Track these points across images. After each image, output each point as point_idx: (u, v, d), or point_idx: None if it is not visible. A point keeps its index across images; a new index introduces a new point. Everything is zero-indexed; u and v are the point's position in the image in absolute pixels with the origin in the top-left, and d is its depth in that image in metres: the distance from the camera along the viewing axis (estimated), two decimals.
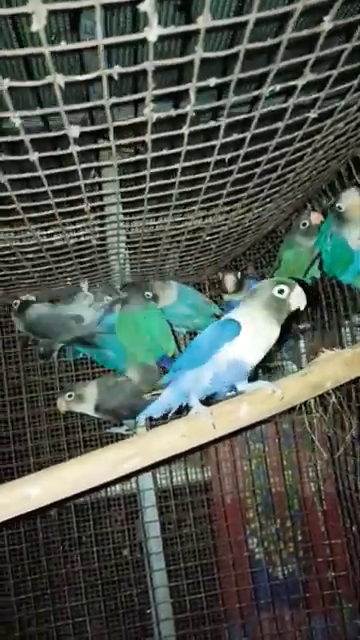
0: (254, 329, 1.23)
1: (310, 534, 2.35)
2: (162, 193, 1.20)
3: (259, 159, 1.14)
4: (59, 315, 2.08)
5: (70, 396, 2.04)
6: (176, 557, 2.28)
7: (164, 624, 2.19)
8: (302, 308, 1.25)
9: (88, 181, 1.07)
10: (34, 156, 0.91)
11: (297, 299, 1.24)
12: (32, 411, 2.28)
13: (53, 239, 1.44)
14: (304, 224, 1.85)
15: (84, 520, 2.30)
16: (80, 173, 1.00)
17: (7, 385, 2.30)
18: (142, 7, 0.62)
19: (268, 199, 1.45)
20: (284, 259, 2.11)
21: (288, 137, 1.09)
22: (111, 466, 1.12)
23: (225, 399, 1.30)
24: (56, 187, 1.07)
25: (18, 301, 2.08)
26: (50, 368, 2.35)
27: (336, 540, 2.28)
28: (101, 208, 1.36)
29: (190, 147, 1.00)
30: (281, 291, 1.24)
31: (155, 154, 1.00)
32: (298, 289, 1.24)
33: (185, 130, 0.92)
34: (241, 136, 1.01)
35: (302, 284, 1.27)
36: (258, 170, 1.20)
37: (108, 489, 2.37)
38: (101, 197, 1.30)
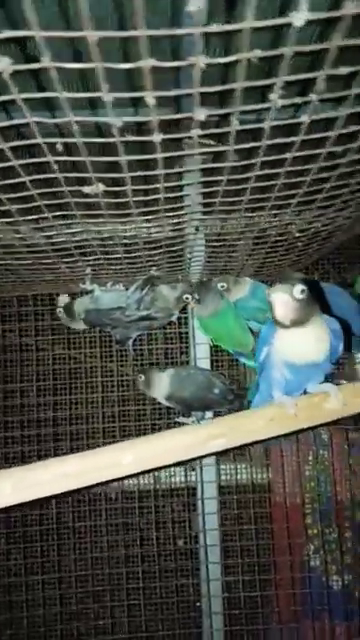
0: (283, 334, 1.23)
1: None
2: (265, 183, 1.22)
3: (345, 146, 1.14)
4: (100, 310, 2.12)
5: (141, 377, 2.10)
6: (231, 553, 2.28)
7: (214, 617, 2.20)
8: (284, 316, 1.16)
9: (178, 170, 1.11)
10: (158, 137, 0.96)
11: (276, 308, 1.15)
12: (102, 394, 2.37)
13: (150, 228, 1.51)
14: None
15: (145, 506, 2.35)
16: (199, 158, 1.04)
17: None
18: None
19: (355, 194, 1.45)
20: None
21: None
22: (200, 442, 1.16)
23: None
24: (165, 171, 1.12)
25: (61, 308, 2.19)
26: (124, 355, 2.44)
27: None
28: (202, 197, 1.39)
29: (305, 137, 1.02)
30: (268, 295, 1.18)
31: (269, 142, 1.03)
32: (274, 296, 1.15)
33: (306, 119, 0.95)
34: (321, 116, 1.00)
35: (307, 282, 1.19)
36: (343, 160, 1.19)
37: (171, 480, 2.41)
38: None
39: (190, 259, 1.90)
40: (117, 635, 2.22)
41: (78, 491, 1.16)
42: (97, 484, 1.13)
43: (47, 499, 1.12)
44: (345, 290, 2.15)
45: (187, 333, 2.39)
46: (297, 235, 1.67)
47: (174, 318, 2.27)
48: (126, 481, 2.36)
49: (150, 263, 1.84)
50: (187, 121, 0.93)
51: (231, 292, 2.10)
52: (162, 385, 2.10)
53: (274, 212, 1.42)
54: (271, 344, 1.27)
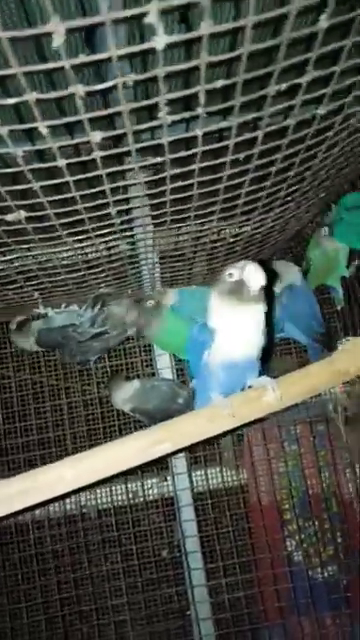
0: (229, 326, 1.26)
1: (349, 535, 2.34)
2: (182, 194, 1.27)
3: (273, 157, 1.20)
4: (52, 329, 2.18)
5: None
6: (214, 556, 2.30)
7: (203, 623, 2.21)
8: (261, 284, 1.19)
9: (113, 185, 1.16)
10: (62, 163, 1.00)
11: (251, 276, 1.19)
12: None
13: (84, 248, 1.55)
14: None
15: (123, 522, 2.36)
16: (105, 179, 1.08)
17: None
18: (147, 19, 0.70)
19: (288, 198, 1.51)
20: (312, 260, 2.16)
21: (300, 135, 1.15)
22: (144, 449, 1.19)
23: None
24: (82, 193, 1.17)
25: (14, 325, 2.22)
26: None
27: None
28: (127, 214, 1.44)
29: (205, 148, 1.08)
30: (230, 275, 1.22)
31: (172, 156, 1.08)
32: (250, 267, 1.20)
33: (199, 132, 1.00)
34: (253, 135, 1.07)
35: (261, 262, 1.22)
36: (274, 169, 1.26)
37: (146, 493, 2.43)
38: (127, 203, 1.40)
39: (136, 274, 1.94)
40: None
41: (29, 510, 1.18)
42: (46, 502, 1.16)
43: None
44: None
45: (148, 345, 2.42)
46: (232, 240, 1.72)
47: (130, 333, 2.32)
48: (102, 498, 2.37)
49: (97, 281, 1.88)
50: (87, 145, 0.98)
51: (162, 304, 2.14)
52: (127, 398, 2.14)
53: (200, 221, 1.47)
54: (209, 346, 1.31)
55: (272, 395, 1.28)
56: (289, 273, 2.15)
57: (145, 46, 0.76)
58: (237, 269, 1.22)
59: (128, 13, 0.71)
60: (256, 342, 1.29)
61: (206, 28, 0.74)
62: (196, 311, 2.07)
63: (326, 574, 2.36)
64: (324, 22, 0.81)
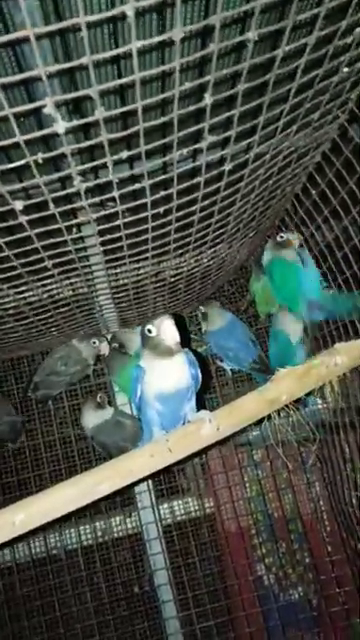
0: (154, 367, 1.37)
1: (314, 555, 2.40)
2: (114, 245, 1.37)
3: (192, 208, 1.31)
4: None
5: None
6: (185, 587, 2.33)
7: None
8: (175, 340, 1.30)
9: (43, 243, 1.25)
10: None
11: (166, 334, 1.30)
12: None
13: (32, 297, 1.63)
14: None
15: (92, 561, 2.38)
16: (34, 237, 1.17)
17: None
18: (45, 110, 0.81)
19: (217, 240, 1.62)
20: (255, 291, 2.28)
21: (213, 188, 1.27)
22: (87, 489, 1.25)
23: None
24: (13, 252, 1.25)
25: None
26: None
27: (337, 556, 2.33)
28: (62, 264, 1.52)
29: (125, 205, 1.18)
30: (149, 330, 1.34)
31: (97, 214, 1.18)
32: (165, 324, 1.31)
33: (115, 193, 1.11)
34: (167, 192, 1.18)
35: (176, 317, 1.33)
36: (195, 217, 1.37)
37: (114, 529, 2.45)
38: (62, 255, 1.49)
39: (86, 316, 2.02)
40: None
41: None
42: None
43: None
44: (239, 318, 2.34)
45: (105, 383, 2.48)
46: (172, 280, 1.82)
47: (90, 370, 2.39)
48: (70, 539, 2.39)
49: (47, 326, 1.95)
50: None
51: (129, 346, 2.24)
52: (91, 425, 2.20)
53: (136, 265, 1.57)
54: (142, 381, 1.40)
55: (209, 427, 1.36)
56: (213, 318, 2.28)
57: (47, 131, 0.86)
58: (154, 326, 1.33)
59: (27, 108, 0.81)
60: (181, 379, 1.39)
61: (99, 115, 0.85)
62: None
63: (296, 595, 2.41)
64: (208, 99, 0.92)
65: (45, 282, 1.48)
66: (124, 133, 0.92)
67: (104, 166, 1.01)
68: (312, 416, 2.30)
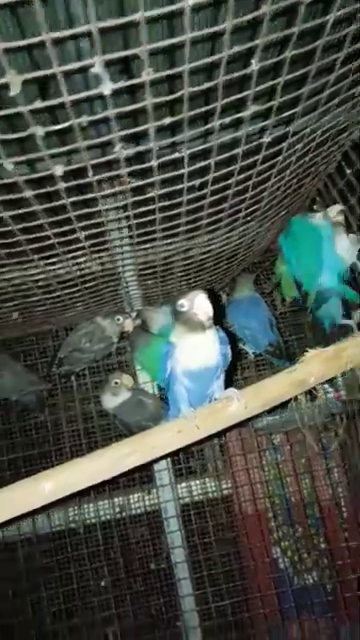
0: (185, 343, 1.36)
1: (330, 540, 2.39)
2: (147, 218, 1.36)
3: (227, 182, 1.29)
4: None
5: (116, 383, 2.20)
6: (201, 566, 2.35)
7: (192, 632, 2.25)
8: (208, 315, 1.30)
9: (77, 213, 1.24)
10: (28, 193, 1.08)
11: (200, 308, 1.30)
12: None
13: (56, 270, 1.63)
14: None
15: (110, 536, 2.41)
16: (69, 206, 1.16)
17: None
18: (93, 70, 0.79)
19: (248, 218, 1.60)
20: (280, 273, 2.25)
21: (249, 161, 1.24)
22: (114, 462, 1.26)
23: None
24: (50, 220, 1.25)
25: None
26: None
27: (354, 542, 2.32)
28: (96, 237, 1.52)
29: (162, 176, 1.16)
30: (182, 305, 1.32)
31: (133, 184, 1.17)
32: (199, 298, 1.30)
33: (154, 162, 1.09)
34: (205, 163, 1.16)
35: (209, 292, 1.32)
36: (230, 192, 1.35)
37: (132, 506, 2.47)
38: (97, 227, 1.48)
39: (112, 292, 2.02)
40: None
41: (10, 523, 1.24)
42: (24, 515, 1.21)
43: None
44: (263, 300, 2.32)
45: (127, 361, 2.49)
46: (201, 258, 1.81)
47: (113, 348, 2.40)
48: (89, 514, 2.42)
49: (73, 301, 1.95)
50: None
51: (151, 325, 2.23)
52: (113, 405, 2.21)
53: (167, 241, 1.55)
54: (172, 357, 1.40)
55: (237, 405, 1.36)
56: (242, 287, 2.25)
57: (94, 92, 0.85)
58: (187, 300, 1.31)
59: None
60: (211, 356, 1.37)
61: (146, 77, 0.83)
62: None
63: (311, 579, 2.42)
64: (255, 65, 0.90)
65: (76, 254, 1.48)
66: (170, 97, 0.90)
67: (144, 134, 0.99)
68: (333, 402, 2.29)
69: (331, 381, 2.11)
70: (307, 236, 1.97)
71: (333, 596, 2.35)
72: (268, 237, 1.99)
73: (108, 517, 2.44)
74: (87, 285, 1.80)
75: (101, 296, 1.99)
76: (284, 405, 1.46)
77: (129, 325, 2.30)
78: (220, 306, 2.09)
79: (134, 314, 2.35)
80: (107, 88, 0.84)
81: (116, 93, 0.86)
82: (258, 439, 2.46)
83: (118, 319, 2.29)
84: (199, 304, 1.29)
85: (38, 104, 0.86)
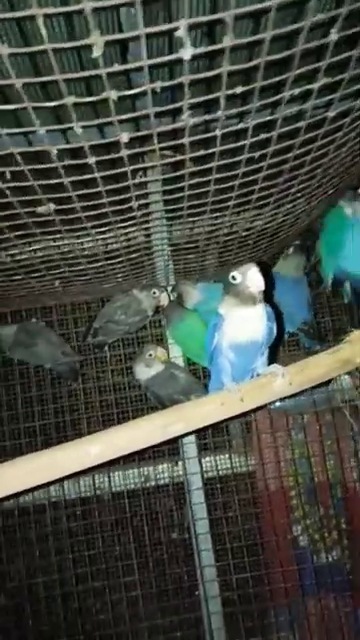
0: (234, 316, 1.37)
1: (353, 521, 2.42)
2: (199, 190, 1.36)
3: (286, 156, 1.28)
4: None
5: (150, 355, 2.24)
6: (222, 538, 2.40)
7: (212, 601, 2.31)
8: (260, 289, 1.30)
9: (136, 181, 1.25)
10: (92, 160, 1.09)
11: (252, 282, 1.30)
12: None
13: (106, 239, 1.65)
14: None
15: (136, 505, 2.46)
16: (130, 174, 1.17)
17: None
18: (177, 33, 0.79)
19: (299, 194, 1.59)
20: (321, 252, 2.23)
21: (311, 135, 1.23)
22: (159, 429, 1.28)
23: None
24: (108, 187, 1.25)
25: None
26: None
27: None
28: (146, 207, 1.52)
29: (222, 147, 1.16)
30: (234, 277, 1.32)
31: (192, 154, 1.17)
32: (251, 272, 1.29)
33: (218, 132, 1.09)
34: (267, 135, 1.15)
35: (261, 265, 1.31)
36: (286, 166, 1.34)
37: (158, 477, 2.53)
38: (147, 197, 1.48)
39: (151, 264, 2.03)
40: (119, 627, 2.33)
41: (56, 482, 1.27)
42: (70, 475, 1.25)
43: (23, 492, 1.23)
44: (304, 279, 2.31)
45: (161, 335, 2.51)
46: (244, 234, 1.80)
47: (148, 321, 2.42)
48: (116, 481, 2.47)
49: (114, 272, 1.97)
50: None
51: (187, 300, 2.24)
52: (145, 377, 2.25)
53: (215, 215, 1.55)
54: (220, 329, 1.41)
55: (281, 381, 1.37)
56: (291, 264, 2.25)
57: (173, 57, 0.85)
58: (240, 273, 1.31)
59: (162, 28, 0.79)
60: (258, 331, 1.38)
61: (228, 41, 0.82)
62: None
63: (330, 558, 2.45)
64: (334, 35, 0.88)
65: (126, 224, 1.49)
66: (246, 65, 0.90)
67: (213, 102, 0.99)
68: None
69: None
70: (335, 217, 1.98)
71: (352, 576, 2.39)
72: (312, 216, 1.97)
73: (135, 486, 2.49)
74: (130, 256, 1.81)
75: (141, 268, 2.00)
76: (329, 382, 1.46)
77: (165, 299, 2.32)
78: (271, 281, 2.07)
79: (170, 288, 2.36)
80: (187, 53, 0.83)
81: (193, 59, 0.85)
82: (287, 418, 2.48)
83: (154, 292, 2.31)
84: (251, 277, 1.29)
85: (117, 67, 0.86)
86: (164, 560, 2.45)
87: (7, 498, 1.21)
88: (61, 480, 1.30)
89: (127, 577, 2.38)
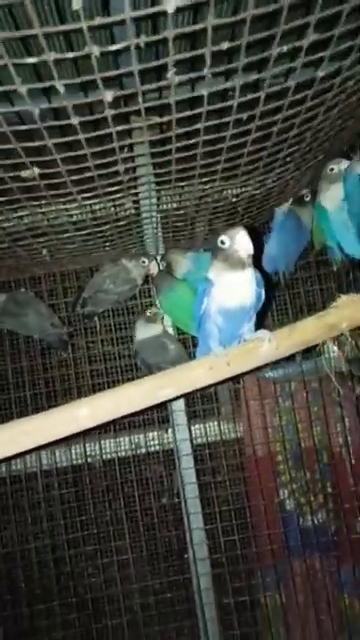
0: (223, 281, 1.36)
1: (338, 485, 2.48)
2: (187, 153, 1.34)
3: (275, 118, 1.26)
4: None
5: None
6: (211, 502, 2.45)
7: (200, 563, 2.38)
8: (249, 252, 1.29)
9: (122, 143, 1.22)
10: (75, 120, 1.07)
11: (241, 245, 1.29)
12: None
13: (93, 205, 1.62)
14: None
15: (126, 472, 2.50)
16: (115, 136, 1.15)
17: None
18: None
19: (288, 159, 1.57)
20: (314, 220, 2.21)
21: (300, 96, 1.21)
22: (149, 393, 1.30)
23: None
24: (93, 150, 1.23)
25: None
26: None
27: None
28: (134, 171, 1.50)
29: (210, 107, 1.13)
30: (222, 242, 1.32)
31: (179, 115, 1.14)
32: (240, 236, 1.29)
33: (205, 92, 1.06)
34: (255, 95, 1.13)
35: (250, 229, 1.30)
36: (275, 129, 1.32)
37: (148, 444, 2.56)
38: (133, 161, 1.46)
39: (140, 233, 2.01)
40: (110, 590, 2.39)
41: (47, 446, 1.28)
42: (59, 440, 1.26)
43: (13, 457, 1.24)
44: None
45: (150, 303, 2.51)
46: (234, 200, 1.79)
47: (137, 290, 2.42)
48: (106, 449, 2.51)
49: (102, 240, 1.95)
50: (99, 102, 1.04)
51: (176, 269, 2.22)
52: (139, 335, 2.28)
53: (204, 179, 1.53)
54: (208, 294, 1.41)
55: (268, 346, 1.38)
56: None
57: (157, 9, 0.82)
58: (228, 237, 1.31)
59: None
60: (247, 296, 1.38)
61: None
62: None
63: (316, 521, 2.52)
64: None
65: (113, 189, 1.47)
66: (232, 19, 0.87)
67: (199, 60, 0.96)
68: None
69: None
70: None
71: (337, 537, 2.47)
72: (301, 182, 1.96)
73: (125, 453, 2.52)
74: (118, 224, 1.79)
75: (130, 236, 1.99)
76: (315, 347, 1.48)
77: (154, 268, 2.30)
78: (260, 247, 2.06)
79: (159, 257, 2.35)
80: (171, 6, 0.81)
81: (178, 11, 0.83)
82: (275, 385, 2.51)
83: (143, 261, 2.29)
84: (240, 241, 1.28)
85: (99, 20, 0.83)
86: (154, 524, 2.51)
87: None
88: (53, 444, 1.30)
89: (118, 541, 2.43)
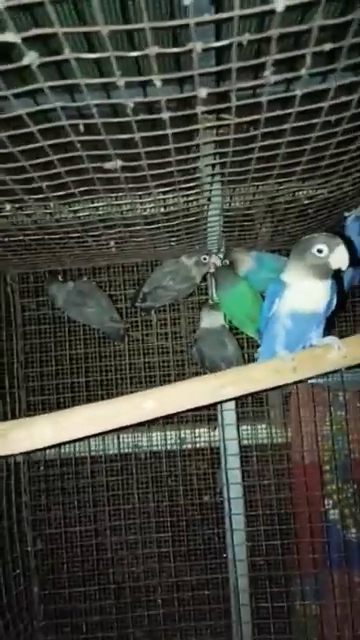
0: (301, 285, 1.35)
1: None
2: (270, 153, 1.33)
3: None
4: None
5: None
6: (253, 505, 2.44)
7: (239, 564, 2.37)
8: (345, 267, 1.28)
9: (206, 140, 1.23)
10: (166, 115, 1.08)
11: (338, 259, 1.28)
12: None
13: (167, 200, 1.64)
14: None
15: (171, 465, 2.53)
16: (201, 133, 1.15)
17: None
18: None
19: None
20: None
21: None
22: (212, 389, 1.30)
23: None
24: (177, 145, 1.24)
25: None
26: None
27: None
28: (212, 168, 1.51)
29: (301, 108, 1.12)
30: (320, 250, 1.29)
31: (267, 114, 1.14)
32: (340, 249, 1.27)
33: (299, 92, 1.06)
34: (349, 98, 1.11)
35: (347, 242, 1.28)
36: None
37: (195, 440, 2.58)
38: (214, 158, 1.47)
39: (206, 230, 2.02)
40: (149, 580, 2.42)
41: (110, 432, 1.32)
42: (124, 427, 1.29)
43: (82, 439, 1.28)
44: None
45: (206, 301, 2.52)
46: (306, 202, 1.77)
47: (195, 288, 2.43)
48: (154, 442, 2.54)
49: (168, 235, 1.97)
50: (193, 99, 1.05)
51: (238, 267, 2.22)
52: (203, 323, 2.32)
53: (281, 180, 1.52)
54: (281, 297, 1.40)
55: (336, 353, 1.36)
56: None
57: (265, 8, 0.82)
58: (327, 247, 1.29)
59: None
60: (321, 302, 1.37)
61: None
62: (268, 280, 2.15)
63: (359, 534, 2.47)
64: None
65: (189, 185, 1.48)
66: (339, 20, 0.86)
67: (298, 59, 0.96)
68: None
69: None
70: None
71: None
72: None
73: (173, 447, 2.55)
74: (188, 219, 1.80)
75: (196, 233, 2.00)
76: None
77: (214, 265, 2.30)
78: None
79: (220, 255, 2.35)
80: (280, 5, 0.81)
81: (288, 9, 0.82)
82: (328, 393, 2.47)
83: (204, 259, 2.30)
84: (340, 253, 1.27)
85: (208, 17, 0.84)
86: (195, 521, 2.52)
87: (51, 447, 1.27)
88: (114, 431, 1.33)
89: (159, 534, 2.46)
